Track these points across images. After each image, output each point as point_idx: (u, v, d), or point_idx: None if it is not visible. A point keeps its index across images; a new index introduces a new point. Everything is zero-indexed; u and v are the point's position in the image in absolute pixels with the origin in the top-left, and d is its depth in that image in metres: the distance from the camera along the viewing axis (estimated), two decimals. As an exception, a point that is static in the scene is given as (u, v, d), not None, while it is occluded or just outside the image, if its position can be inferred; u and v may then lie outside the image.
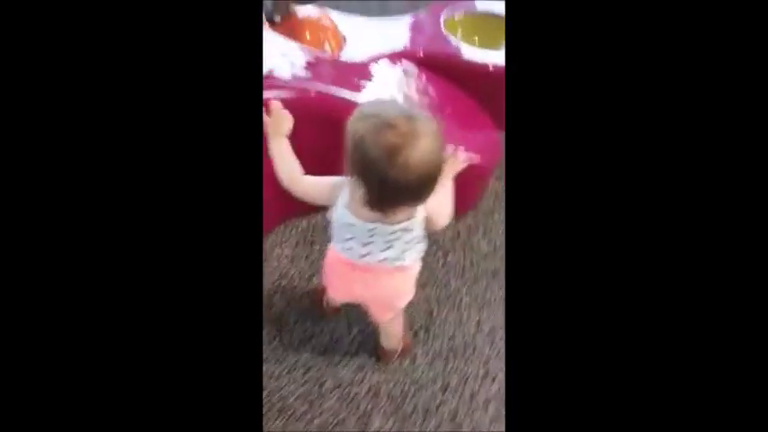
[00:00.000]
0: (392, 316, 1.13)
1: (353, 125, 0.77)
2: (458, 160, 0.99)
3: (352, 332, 1.30)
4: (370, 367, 1.24)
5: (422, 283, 1.39)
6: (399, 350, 1.25)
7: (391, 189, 0.78)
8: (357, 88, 1.29)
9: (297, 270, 1.41)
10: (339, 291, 1.13)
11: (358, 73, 1.38)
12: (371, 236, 0.90)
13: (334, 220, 0.93)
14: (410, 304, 1.11)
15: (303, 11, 1.59)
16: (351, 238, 0.92)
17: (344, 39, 1.60)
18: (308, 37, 1.56)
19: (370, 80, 1.36)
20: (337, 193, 0.91)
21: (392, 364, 1.24)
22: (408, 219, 0.89)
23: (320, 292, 1.31)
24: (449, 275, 1.43)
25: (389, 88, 1.37)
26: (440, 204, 0.94)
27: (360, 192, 0.82)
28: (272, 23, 1.51)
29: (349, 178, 0.82)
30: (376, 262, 0.94)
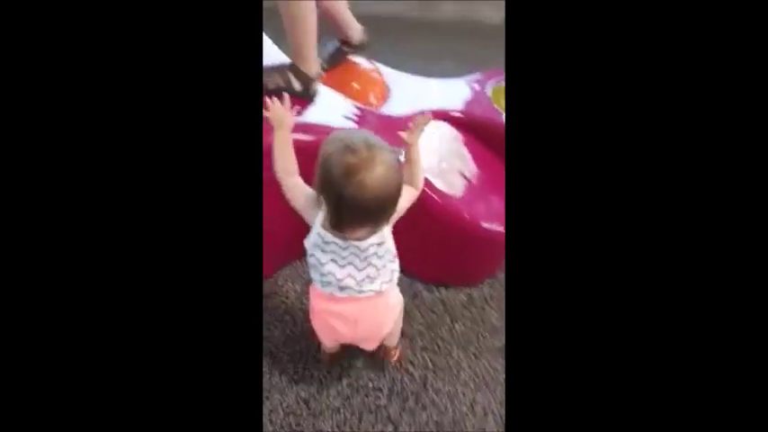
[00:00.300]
0: (379, 343, 1.16)
1: (324, 146, 0.88)
2: (421, 122, 1.03)
3: (341, 384, 1.27)
4: (349, 426, 1.19)
5: (423, 346, 1.35)
6: (398, 351, 1.28)
7: (348, 206, 0.86)
8: (398, 141, 1.31)
9: (302, 308, 1.40)
10: (325, 333, 1.13)
11: (400, 127, 1.40)
12: (348, 254, 0.95)
13: (311, 244, 0.97)
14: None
15: (355, 61, 1.66)
16: (329, 261, 0.96)
17: (389, 93, 1.64)
18: (355, 87, 1.61)
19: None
20: (310, 204, 0.97)
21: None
22: (374, 234, 0.94)
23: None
24: (452, 345, 1.38)
25: (427, 144, 1.38)
26: (404, 202, 0.99)
27: (326, 212, 0.91)
28: (324, 69, 1.58)
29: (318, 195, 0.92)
30: (356, 290, 0.98)
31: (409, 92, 1.63)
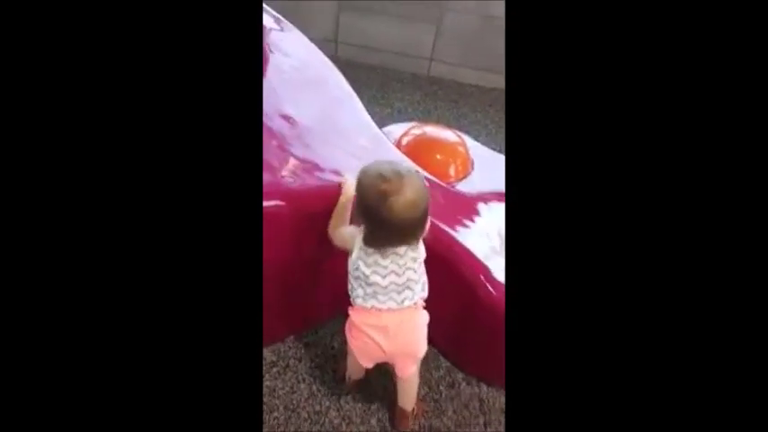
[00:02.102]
0: (415, 369, 1.18)
1: (360, 177, 1.02)
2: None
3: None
4: None
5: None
6: (415, 414, 1.27)
7: (382, 227, 1.00)
8: (455, 224, 1.27)
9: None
10: (363, 351, 1.15)
11: (464, 208, 1.36)
12: (389, 262, 1.05)
13: (354, 261, 1.07)
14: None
15: (442, 133, 1.65)
16: (372, 273, 1.05)
17: (472, 167, 1.61)
18: (438, 158, 1.60)
19: (472, 219, 1.32)
20: (354, 234, 1.08)
21: None
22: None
23: (342, 367, 1.31)
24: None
25: (488, 228, 1.31)
26: None
27: (364, 232, 1.04)
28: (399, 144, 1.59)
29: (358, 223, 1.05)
30: (398, 300, 1.07)
31: (492, 169, 1.59)
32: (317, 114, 1.35)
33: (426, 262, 1.10)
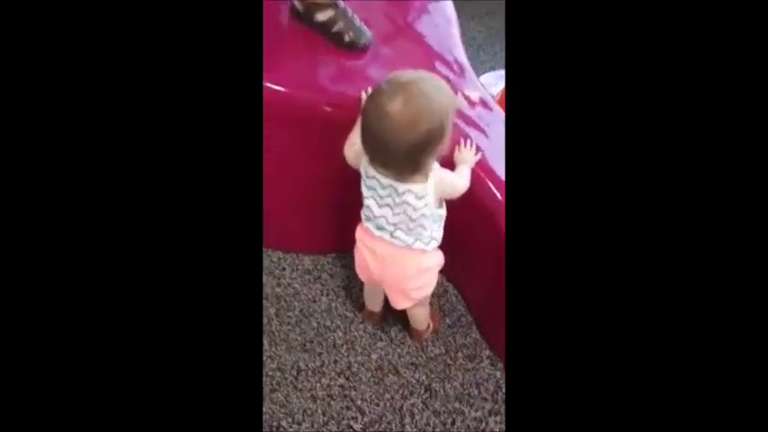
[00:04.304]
0: (409, 305, 1.12)
1: (376, 85, 0.88)
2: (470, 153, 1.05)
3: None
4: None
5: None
6: (430, 329, 1.25)
7: (372, 138, 0.86)
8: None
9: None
10: (359, 265, 1.11)
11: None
12: (386, 194, 0.94)
13: (362, 173, 0.98)
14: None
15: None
16: (369, 197, 0.97)
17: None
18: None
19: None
20: (360, 154, 0.96)
21: None
22: (417, 183, 0.92)
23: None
24: None
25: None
26: (451, 185, 0.98)
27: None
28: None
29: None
30: (389, 233, 0.98)
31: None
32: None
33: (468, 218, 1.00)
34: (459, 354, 1.24)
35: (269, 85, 1.06)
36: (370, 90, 0.93)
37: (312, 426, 1.12)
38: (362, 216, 1.03)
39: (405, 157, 0.86)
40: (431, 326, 1.25)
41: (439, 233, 1.01)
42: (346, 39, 1.13)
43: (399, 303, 1.11)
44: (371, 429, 1.12)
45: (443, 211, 0.99)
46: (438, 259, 1.06)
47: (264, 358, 1.20)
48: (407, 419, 1.14)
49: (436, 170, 0.94)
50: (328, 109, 1.09)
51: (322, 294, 1.32)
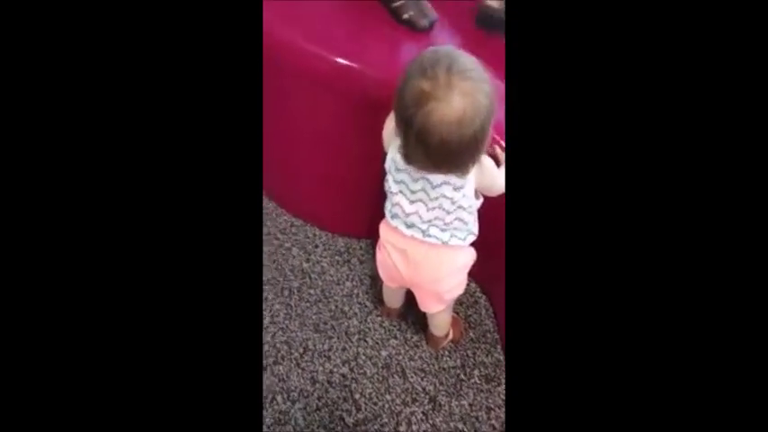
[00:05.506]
0: (441, 308, 1.04)
1: (409, 65, 0.74)
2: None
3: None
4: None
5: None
6: (449, 338, 1.17)
7: (414, 139, 0.73)
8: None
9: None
10: (384, 269, 1.02)
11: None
12: (419, 188, 0.84)
13: (387, 167, 0.87)
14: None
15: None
16: (398, 192, 0.87)
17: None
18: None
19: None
20: (393, 134, 0.83)
21: None
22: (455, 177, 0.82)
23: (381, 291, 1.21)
24: None
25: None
26: (491, 177, 0.85)
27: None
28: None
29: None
30: (422, 231, 0.90)
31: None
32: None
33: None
34: (476, 371, 1.14)
35: (322, 53, 1.02)
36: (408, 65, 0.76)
37: (305, 407, 1.08)
38: (387, 213, 0.93)
39: (456, 159, 0.76)
40: (450, 334, 1.16)
41: (476, 226, 0.92)
42: (405, 16, 1.07)
43: (431, 307, 1.03)
44: (363, 428, 1.06)
45: (480, 201, 0.89)
46: (472, 256, 0.97)
47: (275, 329, 1.18)
48: (403, 427, 1.07)
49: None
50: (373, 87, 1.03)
51: (347, 279, 1.28)
